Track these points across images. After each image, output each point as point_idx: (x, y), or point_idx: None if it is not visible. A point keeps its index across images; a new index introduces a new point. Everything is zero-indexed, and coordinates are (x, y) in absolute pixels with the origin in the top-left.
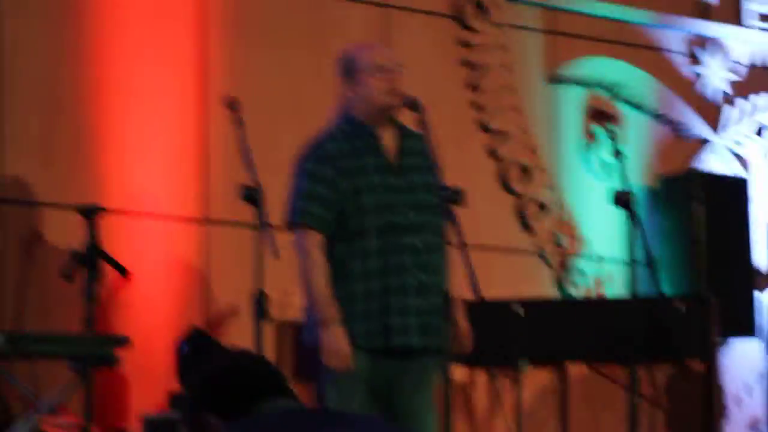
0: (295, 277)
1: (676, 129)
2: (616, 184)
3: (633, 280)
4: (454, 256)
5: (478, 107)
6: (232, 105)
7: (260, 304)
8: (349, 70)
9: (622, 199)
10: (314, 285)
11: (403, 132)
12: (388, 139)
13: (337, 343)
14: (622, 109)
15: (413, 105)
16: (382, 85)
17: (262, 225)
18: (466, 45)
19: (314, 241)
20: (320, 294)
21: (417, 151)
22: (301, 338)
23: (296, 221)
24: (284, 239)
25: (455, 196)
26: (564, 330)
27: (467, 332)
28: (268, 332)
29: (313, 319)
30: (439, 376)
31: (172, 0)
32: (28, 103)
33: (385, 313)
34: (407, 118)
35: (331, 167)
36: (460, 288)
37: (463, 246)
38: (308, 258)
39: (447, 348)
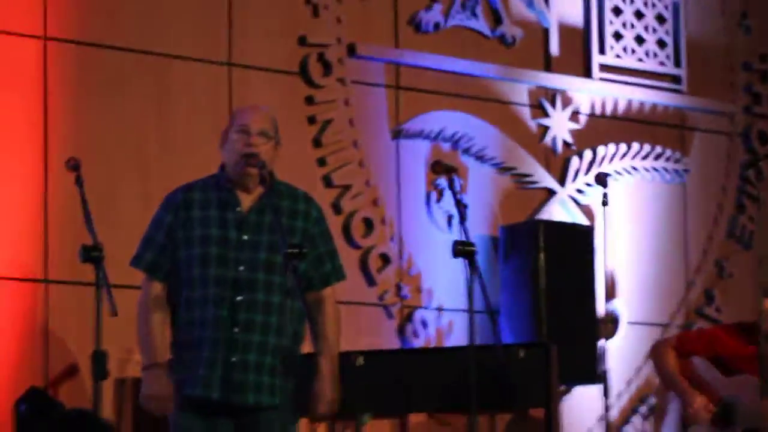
0: (135, 334)
1: (521, 180)
2: (459, 236)
3: (473, 330)
4: (326, 317)
5: (323, 162)
6: (73, 165)
7: (99, 363)
8: (227, 128)
9: (463, 250)
10: (138, 328)
11: (272, 191)
12: (248, 196)
13: (155, 386)
14: (466, 162)
15: (255, 162)
16: (238, 146)
17: (101, 284)
18: (311, 101)
19: (147, 285)
20: (141, 337)
21: (278, 210)
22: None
23: (132, 265)
24: (125, 297)
25: (297, 253)
26: (405, 380)
27: (324, 398)
28: (108, 390)
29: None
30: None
31: (10, 60)
32: None
33: (197, 365)
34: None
35: (173, 215)
36: (326, 350)
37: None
38: (139, 301)
39: (288, 405)
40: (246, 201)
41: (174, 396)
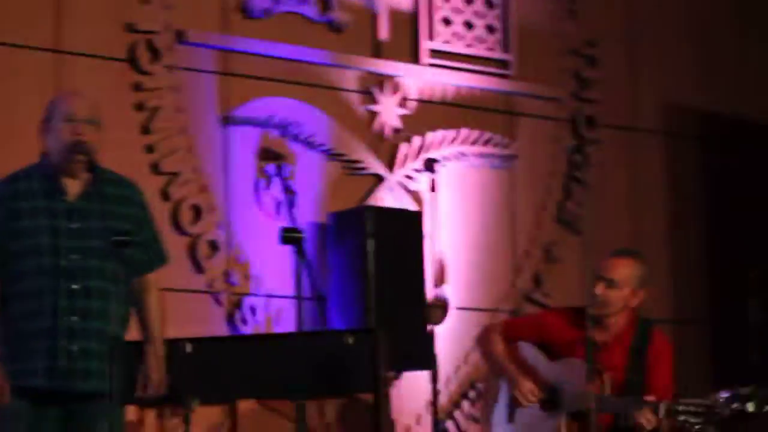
0: None
1: (349, 166)
2: (287, 223)
3: (301, 316)
4: (151, 300)
5: (151, 149)
6: None
7: None
8: (46, 117)
9: (290, 237)
10: None
11: (98, 178)
12: (74, 184)
13: None
14: (295, 148)
15: (80, 149)
16: (65, 135)
17: None
18: (139, 88)
19: None
20: None
21: (105, 197)
22: None
23: None
24: None
25: (123, 240)
26: (233, 367)
27: (153, 378)
28: None
29: None
30: (108, 419)
31: None
32: None
33: (35, 356)
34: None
35: None
36: (155, 333)
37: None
38: None
39: (116, 392)
40: (73, 189)
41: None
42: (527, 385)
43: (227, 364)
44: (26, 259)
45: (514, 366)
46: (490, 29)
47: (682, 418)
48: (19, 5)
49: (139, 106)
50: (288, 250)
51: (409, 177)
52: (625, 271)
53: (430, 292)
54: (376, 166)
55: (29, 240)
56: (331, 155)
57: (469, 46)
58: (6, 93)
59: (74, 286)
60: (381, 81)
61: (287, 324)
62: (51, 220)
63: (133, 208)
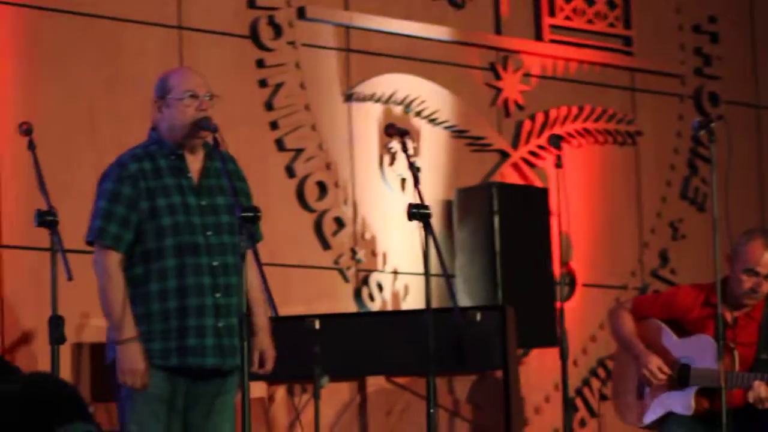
0: (93, 299)
1: (474, 143)
2: (413, 199)
3: (429, 293)
4: (253, 276)
5: (275, 126)
6: (26, 130)
7: (56, 328)
8: (162, 92)
9: (418, 213)
10: (111, 303)
11: (210, 154)
12: (194, 160)
13: (132, 360)
14: (419, 125)
15: (208, 125)
16: (190, 111)
17: (57, 248)
18: (261, 64)
19: (112, 259)
20: (116, 312)
21: (221, 172)
22: (105, 358)
23: (94, 240)
24: (80, 262)
25: (254, 216)
26: (362, 344)
27: (270, 354)
28: (66, 355)
29: (112, 338)
30: (236, 393)
31: None
32: None
33: (183, 334)
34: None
35: (131, 187)
36: (262, 308)
37: (260, 266)
38: (106, 276)
39: (246, 367)
40: (194, 165)
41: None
42: (656, 362)
43: (355, 341)
44: (165, 238)
45: (643, 344)
46: (611, 4)
47: None
48: None
49: (263, 83)
50: (414, 226)
51: (533, 153)
52: None
53: (557, 269)
54: (501, 143)
55: (167, 219)
56: (455, 132)
57: (590, 22)
58: (132, 70)
59: (215, 263)
60: (503, 57)
61: (414, 300)
62: (182, 197)
63: (243, 182)
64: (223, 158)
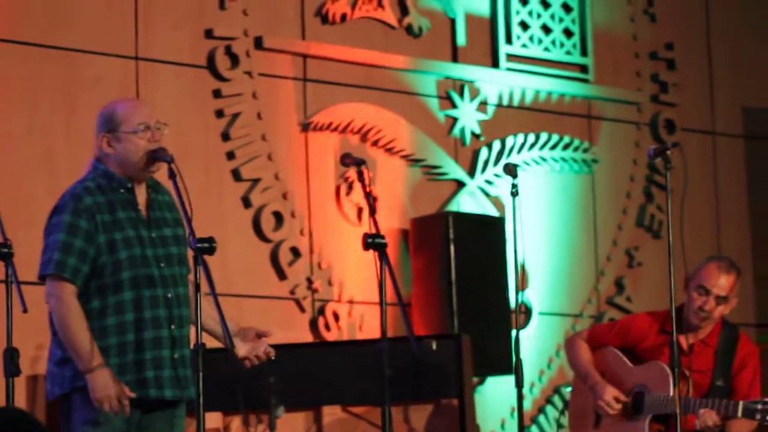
0: (47, 331)
1: (430, 172)
2: (369, 229)
3: (385, 322)
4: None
5: (231, 156)
6: None
7: (11, 360)
8: (110, 126)
9: (373, 243)
10: (75, 335)
11: (152, 186)
12: (141, 193)
13: (106, 387)
14: (376, 154)
15: (164, 156)
16: (143, 143)
17: (11, 280)
18: (218, 95)
19: (70, 291)
20: (82, 342)
21: (165, 204)
22: (49, 394)
23: (51, 273)
24: (35, 294)
25: (208, 247)
26: (318, 373)
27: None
28: (21, 387)
29: (62, 371)
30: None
31: None
32: None
33: (140, 367)
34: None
35: (87, 220)
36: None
37: (215, 296)
38: (65, 309)
39: (200, 399)
40: (140, 198)
41: None
42: (611, 393)
43: (312, 371)
44: (122, 271)
45: (599, 374)
46: (568, 33)
47: (758, 417)
48: (100, 14)
49: (219, 113)
50: (370, 256)
51: (489, 182)
52: (735, 286)
53: (512, 297)
54: (457, 172)
55: (124, 252)
56: (412, 161)
57: (546, 50)
58: (89, 101)
59: (169, 295)
60: (459, 86)
61: (370, 330)
62: (136, 231)
63: (178, 212)
64: (178, 189)
